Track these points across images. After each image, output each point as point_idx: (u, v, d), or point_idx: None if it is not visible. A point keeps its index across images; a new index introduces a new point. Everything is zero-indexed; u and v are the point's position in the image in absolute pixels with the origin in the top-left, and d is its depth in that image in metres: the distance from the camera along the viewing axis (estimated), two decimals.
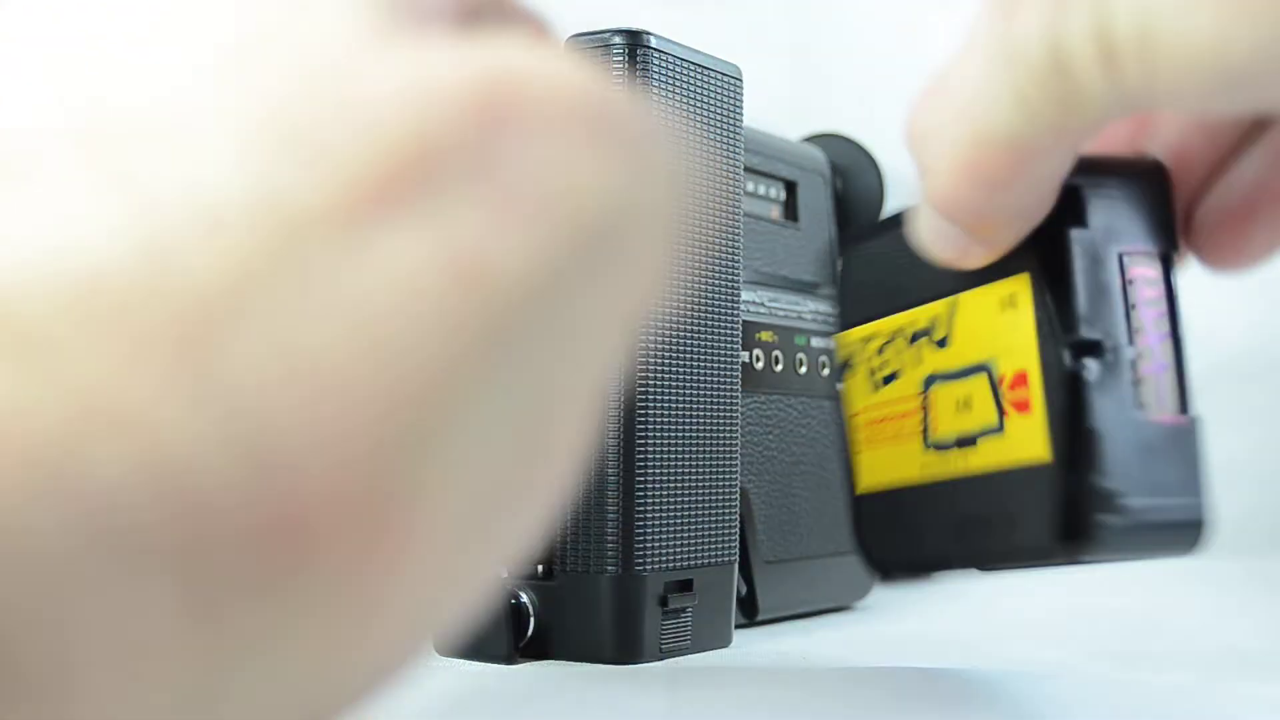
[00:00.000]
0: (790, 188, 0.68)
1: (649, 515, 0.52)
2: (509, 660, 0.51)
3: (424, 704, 0.45)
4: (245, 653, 0.16)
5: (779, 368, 0.62)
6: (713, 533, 0.55)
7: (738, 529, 0.56)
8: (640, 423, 0.51)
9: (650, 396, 0.52)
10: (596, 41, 0.52)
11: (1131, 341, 0.42)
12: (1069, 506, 0.41)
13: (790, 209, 0.68)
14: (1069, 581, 0.50)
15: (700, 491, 0.54)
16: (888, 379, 0.47)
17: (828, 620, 0.65)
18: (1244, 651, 0.56)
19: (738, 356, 0.56)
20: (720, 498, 0.55)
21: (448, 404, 0.17)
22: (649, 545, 0.52)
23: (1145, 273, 0.43)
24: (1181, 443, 0.41)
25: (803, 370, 0.64)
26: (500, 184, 0.17)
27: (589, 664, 0.51)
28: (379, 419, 0.16)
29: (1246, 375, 0.87)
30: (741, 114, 0.57)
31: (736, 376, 0.56)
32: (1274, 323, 0.87)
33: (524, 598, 0.52)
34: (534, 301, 0.17)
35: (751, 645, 0.57)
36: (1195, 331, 0.92)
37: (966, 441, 0.44)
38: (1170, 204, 0.43)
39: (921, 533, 0.46)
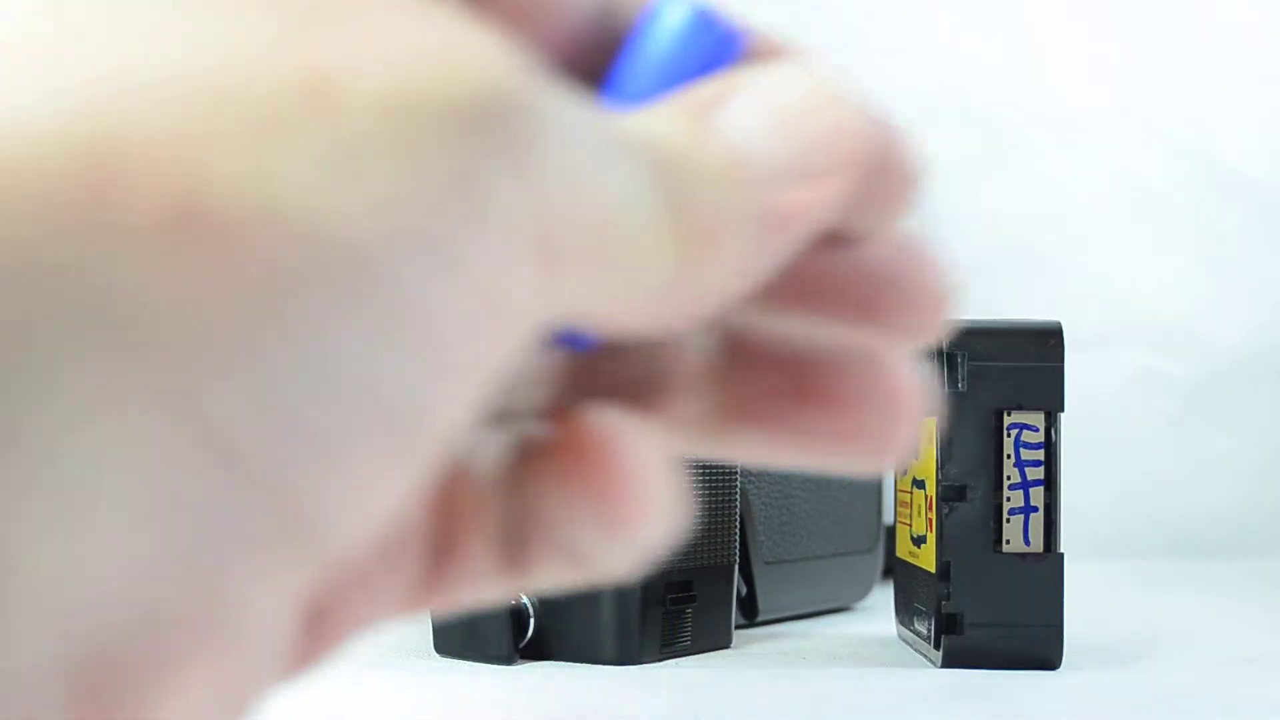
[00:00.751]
0: None
1: None
2: (509, 660, 0.51)
3: (424, 704, 0.45)
4: None
5: None
6: (712, 533, 0.55)
7: (737, 529, 0.56)
8: None
9: None
10: None
11: (998, 487, 0.49)
12: (935, 621, 0.50)
13: None
14: (1068, 582, 0.50)
15: (700, 492, 0.54)
16: (904, 470, 0.57)
17: (828, 620, 0.65)
18: (1244, 651, 0.56)
19: None
20: (720, 498, 0.55)
21: None
22: None
23: (1025, 426, 0.50)
24: (1040, 577, 0.49)
25: None
26: None
27: (589, 664, 0.51)
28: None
29: (1246, 378, 0.87)
30: None
31: None
32: (1274, 325, 0.87)
33: (524, 598, 0.52)
34: None
35: (751, 645, 0.57)
36: (1197, 335, 0.93)
37: (920, 540, 0.53)
38: (1060, 363, 0.50)
39: (911, 601, 0.55)
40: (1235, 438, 0.87)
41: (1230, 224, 0.87)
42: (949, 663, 0.50)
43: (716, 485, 0.55)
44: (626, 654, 0.51)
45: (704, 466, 0.54)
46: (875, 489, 0.70)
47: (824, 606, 0.67)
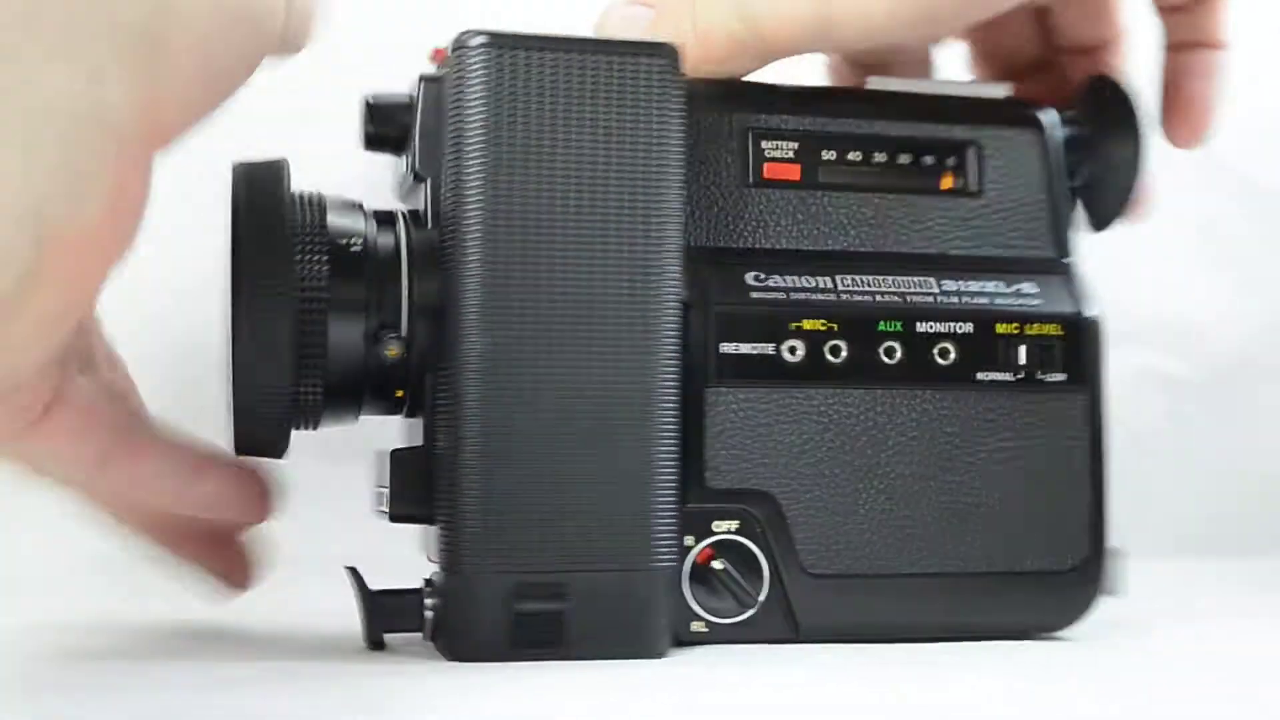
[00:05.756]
0: None
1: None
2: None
3: (424, 704, 0.45)
4: None
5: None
6: None
7: None
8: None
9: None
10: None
11: None
12: None
13: None
14: None
15: None
16: None
17: None
18: (1245, 651, 0.56)
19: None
20: None
21: None
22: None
23: None
24: None
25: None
26: None
27: (589, 663, 0.51)
28: None
29: (1247, 377, 0.87)
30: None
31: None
32: (1275, 325, 0.87)
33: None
34: None
35: (751, 645, 0.57)
36: (1197, 335, 0.92)
37: None
38: None
39: None
40: (1235, 438, 0.87)
41: (1232, 224, 0.87)
42: None
43: None
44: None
45: None
46: None
47: None
